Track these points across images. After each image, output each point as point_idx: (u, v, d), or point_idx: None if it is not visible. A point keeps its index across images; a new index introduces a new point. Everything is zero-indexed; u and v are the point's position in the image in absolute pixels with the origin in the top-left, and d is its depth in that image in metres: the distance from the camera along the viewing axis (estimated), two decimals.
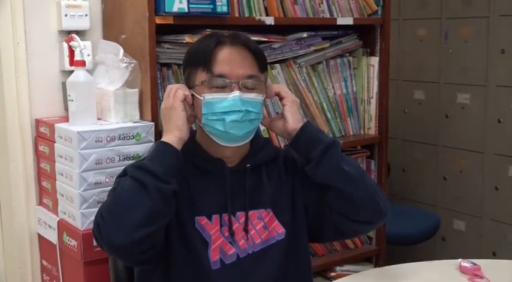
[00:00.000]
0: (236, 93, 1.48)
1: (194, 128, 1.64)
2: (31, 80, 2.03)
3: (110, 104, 1.89)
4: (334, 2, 2.31)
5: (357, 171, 1.55)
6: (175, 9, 1.87)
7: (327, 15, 2.30)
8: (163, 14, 1.86)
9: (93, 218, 1.50)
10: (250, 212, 1.55)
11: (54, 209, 1.96)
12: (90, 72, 1.97)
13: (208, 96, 1.50)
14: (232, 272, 1.50)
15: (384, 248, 2.54)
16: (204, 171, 1.55)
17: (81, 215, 1.80)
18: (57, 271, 1.97)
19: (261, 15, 2.12)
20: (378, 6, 2.41)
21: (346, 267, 2.43)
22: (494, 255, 3.26)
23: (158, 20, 1.87)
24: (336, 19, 2.29)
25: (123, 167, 1.52)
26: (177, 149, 1.46)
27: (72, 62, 1.99)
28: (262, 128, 1.99)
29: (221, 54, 1.51)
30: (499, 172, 3.23)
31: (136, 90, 1.92)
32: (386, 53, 2.44)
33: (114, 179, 1.57)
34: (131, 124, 1.88)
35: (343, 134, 2.42)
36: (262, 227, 1.55)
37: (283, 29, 2.23)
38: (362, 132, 2.49)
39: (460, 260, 1.69)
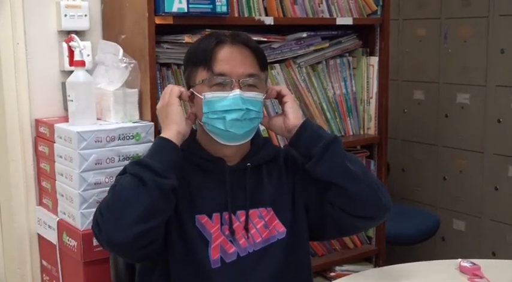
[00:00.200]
0: (236, 91, 1.48)
1: (195, 128, 1.64)
2: (31, 80, 2.03)
3: (110, 104, 1.89)
4: (333, 2, 2.31)
5: (358, 167, 1.55)
6: (174, 9, 1.87)
7: (327, 15, 2.30)
8: (163, 14, 1.86)
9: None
10: (251, 211, 1.55)
11: (54, 209, 1.96)
12: (90, 72, 1.97)
13: (209, 95, 1.50)
14: (233, 270, 1.51)
15: (383, 248, 2.54)
16: (204, 169, 1.55)
17: (80, 215, 1.80)
18: (57, 271, 1.97)
19: (260, 15, 2.13)
20: (377, 6, 2.41)
21: (345, 267, 2.43)
22: (493, 255, 3.26)
23: (158, 20, 1.87)
24: (335, 19, 2.29)
25: (122, 167, 1.52)
26: (176, 144, 1.46)
27: (71, 62, 1.99)
28: (262, 128, 1.99)
29: (221, 53, 1.51)
30: (499, 172, 3.24)
31: (135, 90, 1.92)
32: (386, 53, 2.44)
33: (113, 179, 1.57)
34: (131, 124, 1.88)
35: (342, 134, 2.42)
36: (263, 226, 1.55)
37: (282, 29, 2.23)
38: (362, 132, 2.49)
39: (459, 260, 1.69)
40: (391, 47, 2.49)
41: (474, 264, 1.66)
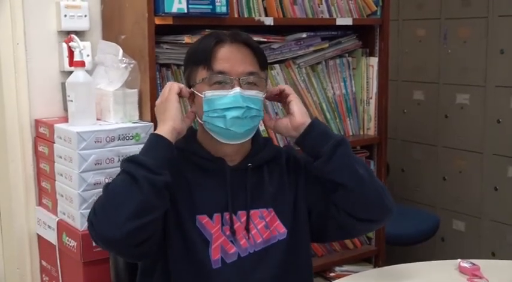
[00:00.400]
0: (237, 89, 1.48)
1: (195, 128, 1.64)
2: (30, 80, 2.03)
3: (109, 104, 1.89)
4: (333, 2, 2.31)
5: (365, 169, 1.55)
6: (174, 9, 1.87)
7: (326, 16, 2.30)
8: (163, 14, 1.86)
9: None
10: (252, 211, 1.55)
11: (54, 210, 1.96)
12: (90, 72, 1.97)
13: (209, 93, 1.50)
14: (233, 271, 1.50)
15: (383, 248, 2.54)
16: (205, 170, 1.55)
17: (80, 216, 1.80)
18: (56, 271, 1.97)
19: (260, 15, 2.13)
20: (377, 6, 2.41)
21: (345, 268, 2.44)
22: (493, 256, 3.26)
23: (157, 21, 1.87)
24: (335, 19, 2.29)
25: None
26: (171, 141, 1.46)
27: (71, 62, 1.99)
28: (261, 128, 1.99)
29: (221, 52, 1.51)
30: (499, 172, 3.24)
31: (135, 90, 1.92)
32: (386, 54, 2.44)
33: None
34: (130, 124, 1.88)
35: (342, 134, 2.41)
36: (264, 227, 1.55)
37: (282, 29, 2.23)
38: (361, 133, 2.49)
39: (459, 260, 1.69)
40: (391, 47, 2.49)
41: (474, 264, 1.66)
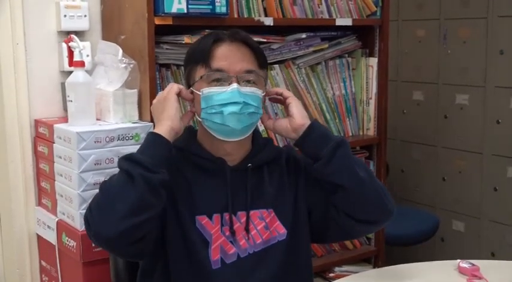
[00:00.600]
0: (234, 85, 1.48)
1: (196, 128, 1.64)
2: (30, 80, 2.04)
3: (109, 104, 1.89)
4: (333, 2, 2.31)
5: (365, 171, 1.54)
6: (174, 9, 1.87)
7: (326, 16, 2.30)
8: (163, 14, 1.87)
9: None
10: (252, 212, 1.55)
11: (53, 210, 1.96)
12: (89, 72, 1.97)
13: (207, 90, 1.50)
14: (233, 271, 1.50)
15: (382, 248, 2.54)
16: (204, 170, 1.55)
17: (80, 216, 1.80)
18: (56, 272, 1.97)
19: (260, 15, 2.13)
20: (376, 7, 2.41)
21: (345, 268, 2.44)
22: (493, 256, 3.26)
23: (157, 21, 1.87)
24: (334, 20, 2.30)
25: None
26: (168, 140, 1.46)
27: (71, 62, 2.00)
28: (261, 128, 1.99)
29: (219, 50, 1.52)
30: (498, 173, 3.24)
31: (135, 90, 1.92)
32: (385, 54, 2.44)
33: None
34: (130, 124, 1.88)
35: (342, 134, 2.42)
36: (264, 227, 1.55)
37: (282, 29, 2.23)
38: (361, 133, 2.49)
39: (458, 260, 1.69)
40: (391, 47, 2.49)
41: (473, 264, 1.66)
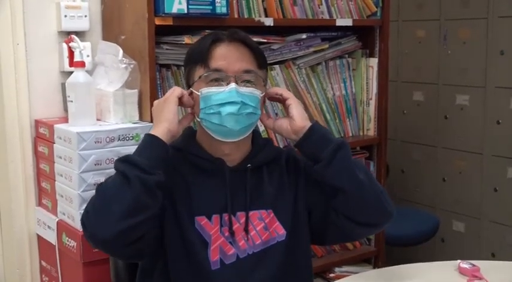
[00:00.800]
0: (232, 85, 1.48)
1: (195, 129, 1.64)
2: (31, 80, 2.04)
3: (109, 104, 1.90)
4: (333, 3, 2.31)
5: (364, 173, 1.54)
6: (174, 10, 1.87)
7: (326, 17, 2.30)
8: (163, 15, 1.87)
9: None
10: (251, 213, 1.55)
11: (54, 210, 1.96)
12: (90, 73, 1.97)
13: (205, 90, 1.50)
14: (232, 272, 1.50)
15: (382, 249, 2.54)
16: (203, 170, 1.55)
17: (80, 216, 1.79)
18: (56, 272, 1.97)
19: (260, 16, 2.13)
20: (377, 7, 2.42)
21: (345, 268, 2.44)
22: (493, 257, 3.26)
23: (157, 21, 1.88)
24: (335, 20, 2.30)
25: None
26: (164, 142, 1.46)
27: (71, 62, 2.00)
28: (261, 128, 1.99)
29: (218, 50, 1.51)
30: (498, 173, 3.24)
31: (135, 91, 1.92)
32: (386, 54, 2.44)
33: None
34: (130, 125, 1.88)
35: (342, 135, 2.42)
36: (263, 228, 1.55)
37: (282, 30, 2.23)
38: (361, 134, 2.49)
39: (459, 261, 1.69)
40: (391, 48, 2.49)
41: (473, 265, 1.66)
